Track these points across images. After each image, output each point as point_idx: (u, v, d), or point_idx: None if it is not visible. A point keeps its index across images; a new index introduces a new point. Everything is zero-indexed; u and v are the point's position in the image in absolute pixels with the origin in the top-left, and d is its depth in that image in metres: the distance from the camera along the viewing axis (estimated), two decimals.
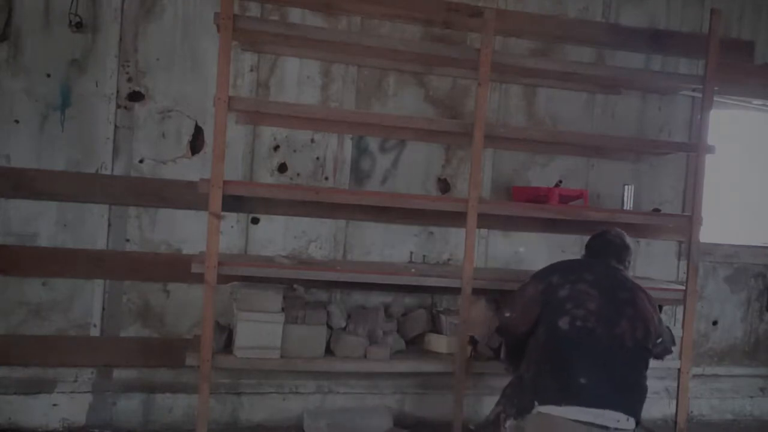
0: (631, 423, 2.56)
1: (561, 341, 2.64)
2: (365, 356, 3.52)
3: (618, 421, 2.52)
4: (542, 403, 2.57)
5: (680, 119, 4.50)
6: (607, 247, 3.08)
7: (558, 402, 2.53)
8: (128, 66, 3.70)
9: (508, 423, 2.74)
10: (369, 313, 3.69)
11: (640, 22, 4.37)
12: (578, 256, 3.39)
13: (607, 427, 2.50)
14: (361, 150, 4.05)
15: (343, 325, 3.60)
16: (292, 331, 3.39)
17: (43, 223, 3.63)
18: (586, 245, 3.20)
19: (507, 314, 2.93)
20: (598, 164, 4.36)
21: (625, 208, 4.06)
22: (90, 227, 3.69)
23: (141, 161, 3.74)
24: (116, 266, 3.71)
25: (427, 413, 4.06)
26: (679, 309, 4.15)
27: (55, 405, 3.61)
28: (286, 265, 3.50)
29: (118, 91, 3.69)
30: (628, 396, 2.60)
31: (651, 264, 4.44)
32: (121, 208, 3.72)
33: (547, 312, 2.74)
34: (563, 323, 2.65)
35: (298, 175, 3.95)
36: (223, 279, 3.44)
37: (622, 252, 3.07)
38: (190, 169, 3.76)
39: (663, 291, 3.99)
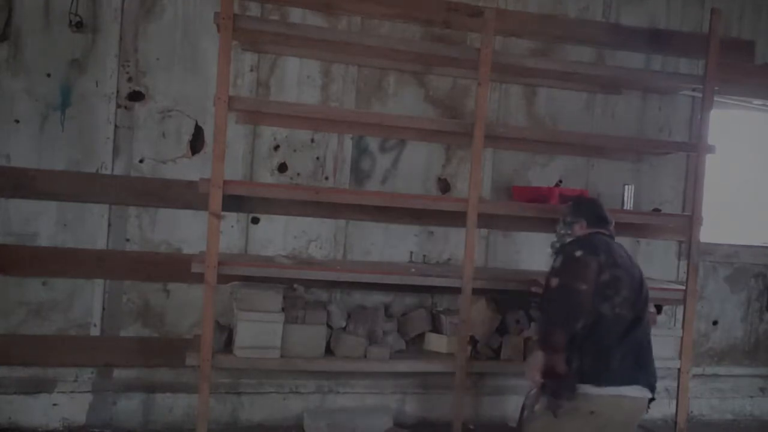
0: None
1: (604, 326, 2.65)
2: (365, 356, 3.52)
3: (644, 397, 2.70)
4: (596, 384, 2.61)
5: (680, 119, 4.50)
6: (605, 211, 3.03)
7: (616, 384, 2.62)
8: (128, 66, 3.70)
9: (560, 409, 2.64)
10: (369, 313, 3.69)
11: (641, 22, 4.37)
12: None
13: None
14: (361, 150, 4.05)
15: (343, 324, 3.61)
16: (292, 331, 3.39)
17: (43, 222, 3.63)
18: (595, 215, 2.98)
19: (584, 286, 2.60)
20: (598, 164, 4.36)
21: (625, 208, 4.06)
22: (90, 227, 3.69)
23: (141, 161, 3.75)
24: (116, 266, 3.71)
25: (427, 413, 4.06)
26: (679, 309, 4.15)
27: (55, 405, 3.62)
28: (286, 264, 3.51)
29: (118, 91, 3.69)
30: (651, 373, 2.74)
31: (651, 264, 4.43)
32: (121, 207, 3.72)
33: (595, 294, 2.67)
34: (606, 309, 2.65)
35: (298, 174, 3.95)
36: (223, 279, 3.44)
37: None
38: (190, 169, 3.76)
39: (663, 291, 4.00)
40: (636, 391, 2.65)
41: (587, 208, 3.07)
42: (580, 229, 2.98)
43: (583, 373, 2.62)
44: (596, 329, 2.66)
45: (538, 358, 2.68)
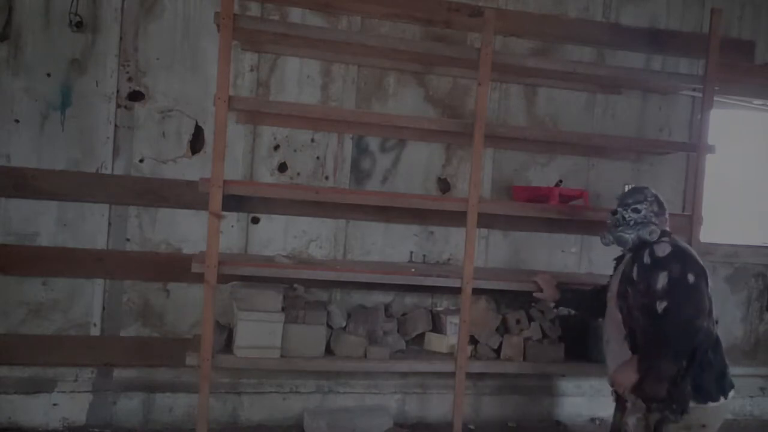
0: None
1: (713, 340, 2.69)
2: (365, 356, 3.52)
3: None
4: (713, 399, 2.62)
5: (680, 119, 4.49)
6: None
7: (726, 394, 2.66)
8: (128, 65, 3.70)
9: (670, 427, 2.62)
10: (369, 312, 3.69)
11: (641, 22, 4.37)
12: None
13: None
14: (361, 149, 4.05)
15: (343, 324, 3.60)
16: (292, 331, 3.39)
17: (43, 222, 3.63)
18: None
19: (704, 323, 2.57)
20: (598, 164, 4.36)
21: None
22: (90, 227, 3.69)
23: (141, 161, 3.75)
24: (116, 266, 3.71)
25: (427, 413, 4.06)
26: None
27: (55, 404, 3.62)
28: (286, 264, 3.50)
29: (118, 91, 3.69)
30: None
31: None
32: (121, 207, 3.72)
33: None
34: (710, 323, 2.66)
35: (298, 174, 3.95)
36: (223, 279, 3.43)
37: None
38: (191, 169, 3.77)
39: None
40: (731, 395, 2.69)
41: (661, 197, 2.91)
42: (661, 224, 2.90)
43: (698, 389, 2.58)
44: (704, 346, 2.63)
45: (631, 375, 2.60)
